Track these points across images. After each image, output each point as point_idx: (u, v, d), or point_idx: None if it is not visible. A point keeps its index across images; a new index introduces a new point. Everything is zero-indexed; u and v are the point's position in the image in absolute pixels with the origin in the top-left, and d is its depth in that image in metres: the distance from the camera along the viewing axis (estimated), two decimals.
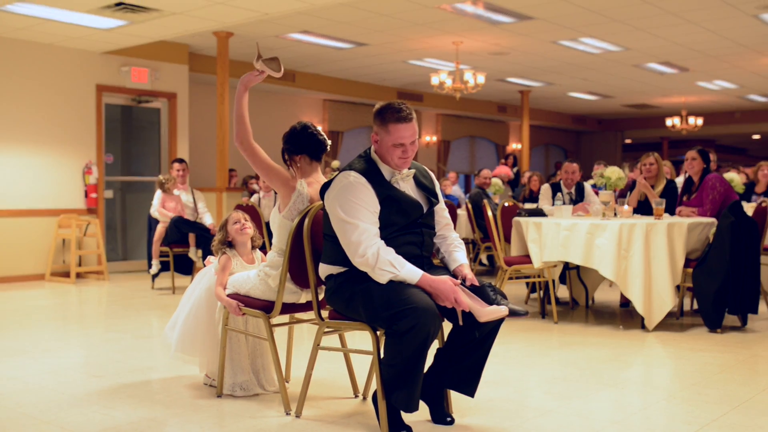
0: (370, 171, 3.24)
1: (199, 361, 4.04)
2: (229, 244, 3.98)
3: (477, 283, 3.17)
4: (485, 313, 3.02)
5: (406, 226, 3.25)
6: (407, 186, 3.32)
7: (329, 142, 3.77)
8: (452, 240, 3.46)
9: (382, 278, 3.06)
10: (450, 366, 3.26)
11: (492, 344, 3.26)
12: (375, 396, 3.23)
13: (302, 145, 3.66)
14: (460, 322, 3.12)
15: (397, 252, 3.14)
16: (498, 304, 3.07)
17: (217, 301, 3.84)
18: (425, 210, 3.32)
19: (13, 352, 4.95)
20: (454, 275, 3.28)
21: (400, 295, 2.99)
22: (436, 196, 3.41)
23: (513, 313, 3.06)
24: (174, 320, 4.03)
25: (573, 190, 7.29)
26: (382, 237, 3.17)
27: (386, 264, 3.06)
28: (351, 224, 3.12)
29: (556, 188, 7.32)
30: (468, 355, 3.23)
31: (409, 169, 3.33)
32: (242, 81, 3.71)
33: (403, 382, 3.04)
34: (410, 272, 3.07)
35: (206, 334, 3.92)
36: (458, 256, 3.39)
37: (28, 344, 5.26)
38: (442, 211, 3.47)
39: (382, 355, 3.12)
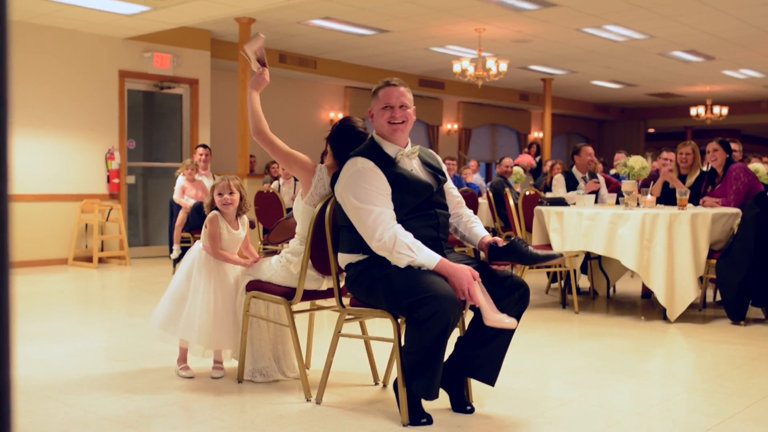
0: (375, 153, 3.26)
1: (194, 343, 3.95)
2: (216, 208, 4.01)
3: (506, 243, 3.22)
4: (493, 319, 3.04)
5: (420, 206, 3.26)
6: (413, 165, 3.33)
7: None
8: (468, 217, 3.50)
9: (401, 262, 3.07)
10: (470, 354, 3.26)
11: (513, 333, 3.25)
12: (395, 384, 3.24)
13: (336, 137, 3.63)
14: (465, 314, 3.12)
15: (415, 235, 3.14)
16: (530, 254, 3.15)
17: (197, 279, 3.85)
18: (434, 188, 3.33)
19: (37, 336, 5.00)
20: (481, 249, 3.32)
21: (420, 283, 2.99)
22: (443, 174, 3.44)
23: (549, 258, 3.19)
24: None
25: (587, 174, 7.26)
26: (398, 220, 3.18)
27: (404, 247, 3.06)
28: (365, 209, 3.13)
29: (569, 177, 7.27)
30: (488, 343, 3.23)
31: (412, 150, 3.33)
32: (252, 84, 3.75)
33: (423, 370, 3.04)
34: (428, 257, 3.07)
35: (191, 316, 3.83)
36: (479, 230, 3.44)
37: (52, 328, 5.32)
38: (451, 189, 3.51)
39: (402, 343, 3.12)
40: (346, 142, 3.55)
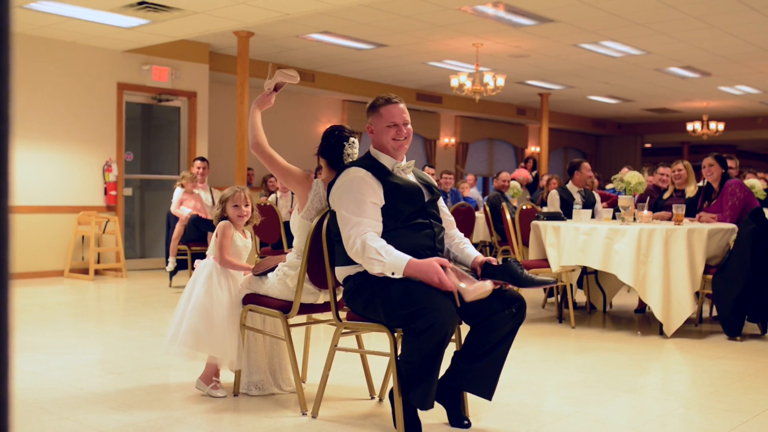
0: (371, 165, 3.31)
1: (219, 358, 3.91)
2: (225, 218, 3.96)
3: (501, 263, 3.24)
4: (469, 291, 3.03)
5: (415, 215, 3.28)
6: (408, 178, 3.39)
7: (352, 154, 3.65)
8: (459, 238, 3.53)
9: (373, 268, 3.08)
10: (467, 368, 3.25)
11: (509, 347, 3.25)
12: (391, 394, 3.24)
13: (323, 148, 3.67)
14: (458, 304, 3.10)
15: (413, 245, 3.17)
16: (525, 277, 3.16)
17: (218, 294, 3.76)
18: (427, 198, 3.36)
19: (33, 348, 4.99)
20: (474, 269, 3.34)
21: (417, 294, 3.00)
22: (437, 189, 3.49)
23: (544, 283, 3.21)
24: (176, 321, 3.83)
25: (583, 190, 7.28)
26: (393, 228, 3.21)
27: (373, 252, 3.07)
28: (345, 218, 3.18)
29: (564, 192, 7.29)
30: (485, 357, 3.22)
31: (407, 164, 3.38)
32: (256, 102, 3.77)
33: (418, 380, 3.04)
34: (397, 258, 3.07)
35: (217, 330, 3.75)
36: (470, 251, 3.46)
37: (48, 340, 5.30)
38: (443, 207, 3.54)
39: (399, 353, 3.13)
40: (337, 147, 3.59)
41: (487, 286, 3.06)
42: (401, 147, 3.37)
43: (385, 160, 3.36)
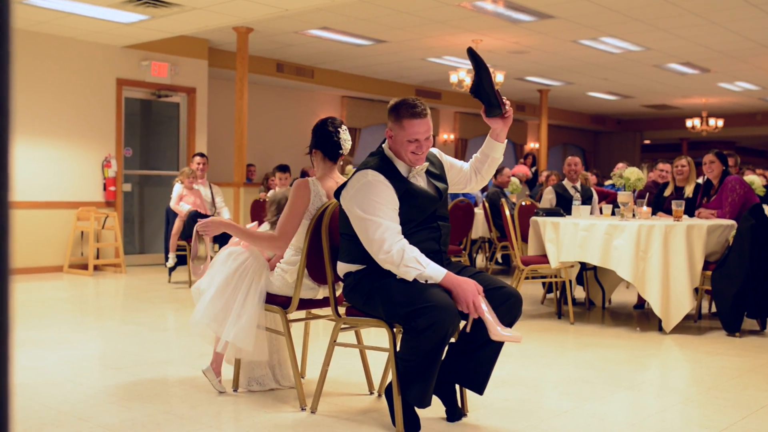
0: (387, 168, 3.25)
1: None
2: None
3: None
4: (498, 334, 2.99)
5: (424, 220, 3.26)
6: (422, 180, 3.34)
7: (347, 144, 3.71)
8: (472, 158, 3.59)
9: (408, 275, 3.06)
10: (461, 361, 3.25)
11: (503, 343, 3.24)
12: (387, 390, 3.24)
13: (317, 140, 3.68)
14: (468, 329, 3.09)
15: (418, 249, 3.14)
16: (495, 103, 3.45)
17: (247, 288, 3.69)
18: (439, 200, 3.34)
19: (32, 343, 4.99)
20: (495, 136, 3.50)
21: (419, 293, 2.99)
22: (445, 181, 3.43)
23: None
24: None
25: (578, 185, 7.30)
26: (402, 233, 3.17)
27: (412, 261, 3.05)
28: (373, 221, 3.11)
29: (559, 189, 7.30)
30: (480, 351, 3.22)
31: (422, 167, 3.34)
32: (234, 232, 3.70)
33: (416, 378, 3.05)
34: (435, 270, 3.07)
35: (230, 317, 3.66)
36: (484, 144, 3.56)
37: (47, 335, 5.30)
38: (459, 170, 3.53)
39: (398, 349, 3.13)
40: (335, 134, 3.64)
41: (517, 339, 3.03)
42: (419, 160, 3.28)
43: (401, 165, 3.28)
